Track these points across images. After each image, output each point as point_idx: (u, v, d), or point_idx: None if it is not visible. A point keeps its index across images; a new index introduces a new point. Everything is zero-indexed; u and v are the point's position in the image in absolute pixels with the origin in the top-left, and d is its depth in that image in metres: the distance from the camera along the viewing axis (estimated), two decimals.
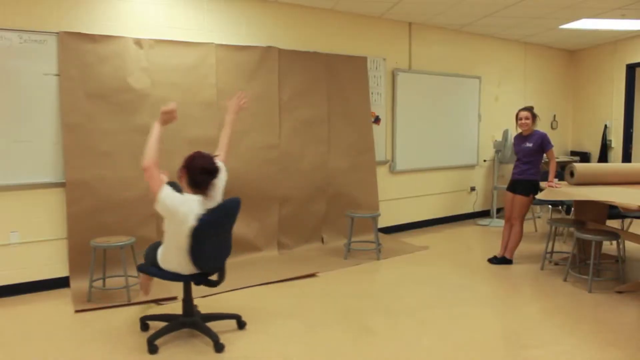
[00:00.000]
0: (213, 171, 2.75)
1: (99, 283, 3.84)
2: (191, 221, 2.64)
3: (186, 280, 2.89)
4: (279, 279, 4.08)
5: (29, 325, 3.22)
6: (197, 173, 2.71)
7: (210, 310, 3.33)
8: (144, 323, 3.11)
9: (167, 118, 2.83)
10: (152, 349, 2.79)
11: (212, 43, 4.49)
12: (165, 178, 2.91)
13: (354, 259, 4.73)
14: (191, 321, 2.98)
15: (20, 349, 2.85)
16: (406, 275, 4.27)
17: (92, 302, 3.56)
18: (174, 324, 2.97)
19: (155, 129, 2.77)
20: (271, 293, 3.81)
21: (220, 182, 2.90)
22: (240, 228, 4.68)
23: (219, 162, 2.89)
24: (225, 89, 4.54)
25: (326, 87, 5.16)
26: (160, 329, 2.90)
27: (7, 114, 3.71)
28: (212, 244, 2.78)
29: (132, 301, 3.56)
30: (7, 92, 3.69)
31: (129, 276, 3.70)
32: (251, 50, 4.69)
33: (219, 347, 2.80)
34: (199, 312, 3.13)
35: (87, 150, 3.97)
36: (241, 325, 3.14)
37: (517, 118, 4.49)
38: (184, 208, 2.65)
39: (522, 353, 2.79)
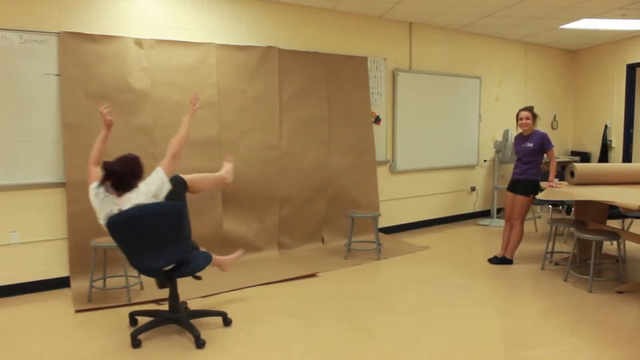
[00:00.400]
0: (110, 172, 2.76)
1: (99, 283, 3.85)
2: (101, 218, 2.77)
3: (149, 276, 2.99)
4: (279, 279, 4.08)
5: (29, 325, 3.22)
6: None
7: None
8: (132, 318, 3.17)
9: (104, 120, 3.03)
10: (135, 343, 2.87)
11: (213, 43, 4.49)
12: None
13: (355, 259, 4.73)
14: (175, 317, 3.03)
15: (20, 349, 2.86)
16: (406, 275, 4.26)
17: (93, 302, 3.56)
18: (158, 319, 3.04)
19: (101, 131, 3.08)
20: (271, 293, 3.81)
21: (145, 185, 2.83)
22: (241, 228, 4.69)
23: (159, 169, 2.89)
24: (226, 89, 4.55)
25: (326, 87, 5.16)
26: (144, 324, 2.96)
27: (8, 113, 3.71)
28: (132, 245, 2.78)
29: (133, 301, 3.56)
30: (7, 92, 3.69)
31: (130, 276, 3.70)
32: (252, 50, 4.69)
33: (200, 344, 2.86)
34: (187, 309, 3.18)
35: (88, 150, 3.89)
36: (227, 322, 3.17)
37: (518, 118, 4.48)
38: (95, 205, 2.80)
39: (522, 353, 2.79)
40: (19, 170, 3.77)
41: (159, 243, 2.80)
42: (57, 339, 3.00)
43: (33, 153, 3.82)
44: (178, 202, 2.88)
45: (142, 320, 3.11)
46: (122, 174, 2.76)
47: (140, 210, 2.70)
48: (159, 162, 2.93)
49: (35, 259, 3.88)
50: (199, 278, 3.30)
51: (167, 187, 2.88)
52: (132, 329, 2.96)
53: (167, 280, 2.98)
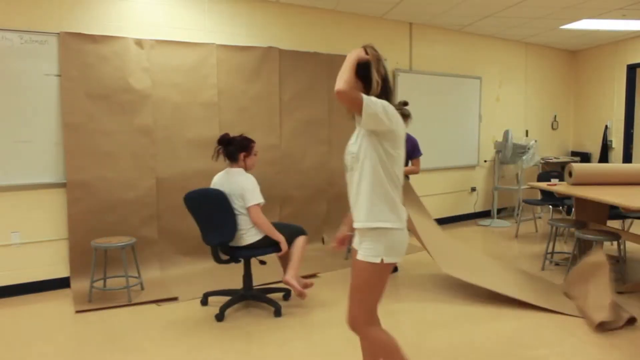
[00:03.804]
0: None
1: (99, 283, 3.85)
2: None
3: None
4: (280, 279, 4.07)
5: (29, 325, 3.22)
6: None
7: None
8: (205, 297, 3.53)
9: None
10: (220, 317, 3.23)
11: (213, 43, 4.49)
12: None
13: None
14: (251, 294, 3.47)
15: (21, 349, 2.86)
16: (406, 276, 4.26)
17: (93, 302, 3.56)
18: (236, 297, 3.42)
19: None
20: (271, 293, 3.80)
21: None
22: None
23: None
24: (226, 89, 4.55)
25: (327, 87, 5.16)
26: (227, 301, 3.36)
27: (9, 114, 3.71)
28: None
29: (133, 301, 3.56)
30: (8, 93, 3.69)
31: (130, 276, 3.70)
32: (252, 50, 4.70)
33: (278, 313, 3.30)
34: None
35: (88, 151, 3.97)
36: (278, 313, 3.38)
37: None
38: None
39: (522, 353, 2.79)
40: (19, 170, 3.77)
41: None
42: (58, 339, 3.00)
43: (34, 153, 3.82)
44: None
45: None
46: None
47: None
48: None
49: (36, 259, 3.88)
50: (263, 263, 3.63)
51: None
52: (221, 305, 3.31)
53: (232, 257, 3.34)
